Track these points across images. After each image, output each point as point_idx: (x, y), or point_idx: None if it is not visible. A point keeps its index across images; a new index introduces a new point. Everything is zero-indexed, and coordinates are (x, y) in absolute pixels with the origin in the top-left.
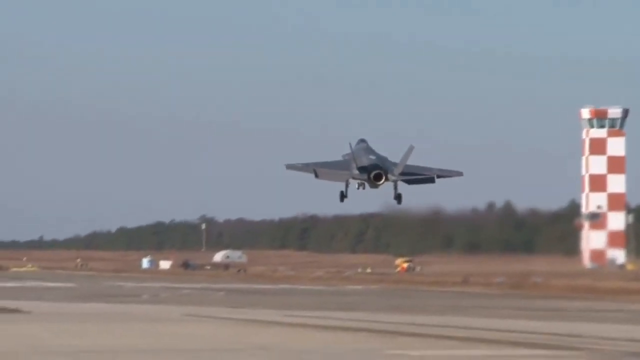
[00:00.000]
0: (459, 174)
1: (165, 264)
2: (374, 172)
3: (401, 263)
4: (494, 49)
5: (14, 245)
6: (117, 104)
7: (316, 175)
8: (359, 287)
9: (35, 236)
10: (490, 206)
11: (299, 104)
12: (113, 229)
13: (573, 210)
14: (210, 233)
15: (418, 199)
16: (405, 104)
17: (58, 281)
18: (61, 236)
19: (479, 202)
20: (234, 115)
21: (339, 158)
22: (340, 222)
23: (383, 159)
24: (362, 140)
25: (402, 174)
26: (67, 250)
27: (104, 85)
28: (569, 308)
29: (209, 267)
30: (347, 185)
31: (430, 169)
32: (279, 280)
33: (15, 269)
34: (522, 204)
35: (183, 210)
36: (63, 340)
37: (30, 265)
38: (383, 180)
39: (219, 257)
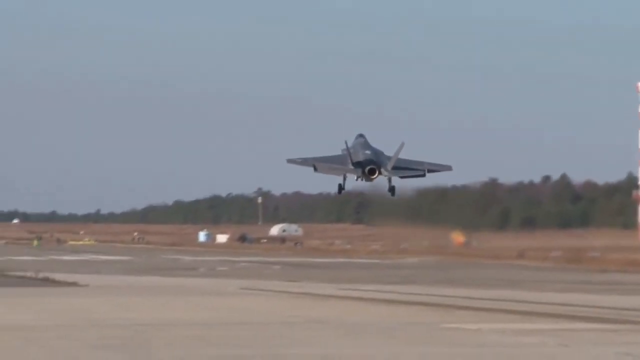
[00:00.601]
0: (449, 168)
1: (221, 238)
2: (368, 167)
3: (457, 237)
4: (549, 21)
5: (71, 218)
6: (176, 79)
7: (315, 169)
8: (415, 260)
9: (92, 210)
10: (546, 179)
11: (353, 80)
12: (170, 202)
13: (631, 182)
14: (266, 207)
15: (475, 173)
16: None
17: (115, 254)
18: (118, 209)
19: (535, 176)
20: (293, 90)
21: (339, 152)
22: (396, 195)
23: (378, 154)
24: (361, 136)
25: (395, 168)
26: (124, 223)
27: (163, 60)
28: (626, 282)
29: (265, 241)
30: (344, 179)
31: (421, 163)
32: (335, 253)
33: (72, 243)
34: (579, 177)
35: (240, 183)
36: (120, 314)
37: (87, 239)
38: (377, 174)
39: (275, 230)
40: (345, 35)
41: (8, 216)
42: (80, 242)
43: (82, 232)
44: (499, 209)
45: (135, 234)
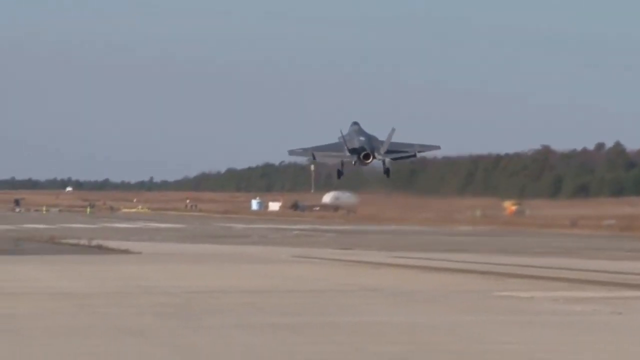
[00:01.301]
0: (437, 147)
1: (274, 206)
2: (363, 152)
3: (510, 205)
4: None
5: (124, 186)
6: (228, 49)
7: (314, 158)
8: (468, 228)
9: (145, 177)
10: (600, 147)
11: (415, 50)
12: (222, 170)
13: None
14: (319, 174)
15: (527, 140)
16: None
17: (168, 222)
18: (171, 177)
19: (589, 143)
20: (344, 58)
21: (336, 140)
22: (449, 164)
23: (372, 139)
24: (355, 123)
25: (387, 152)
26: (177, 191)
27: (220, 31)
28: None
29: (317, 209)
30: (342, 164)
31: (411, 146)
32: (388, 221)
33: (125, 210)
34: (633, 144)
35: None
36: (172, 281)
37: (140, 207)
38: (371, 159)
39: (328, 198)
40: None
41: (61, 184)
42: (133, 210)
43: (135, 200)
44: (552, 176)
45: (188, 201)
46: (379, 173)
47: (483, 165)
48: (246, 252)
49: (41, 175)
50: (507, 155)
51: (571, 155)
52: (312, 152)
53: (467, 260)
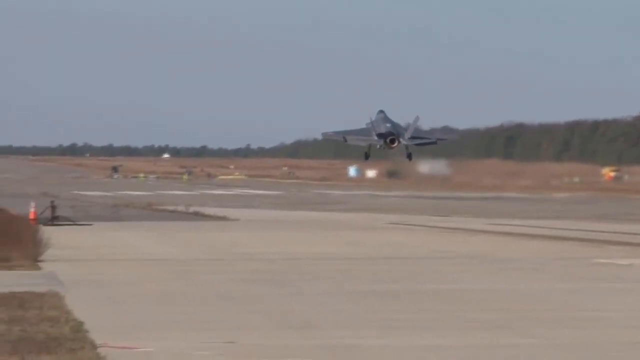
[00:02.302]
0: (456, 137)
1: (371, 173)
2: (389, 137)
3: (608, 172)
4: None
5: (221, 153)
6: (326, 18)
7: (345, 140)
8: (566, 195)
9: (242, 144)
10: None
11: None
12: (319, 137)
13: None
14: None
15: (626, 106)
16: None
17: (265, 189)
18: (267, 144)
19: None
20: (442, 26)
21: (363, 126)
22: (546, 130)
23: (397, 126)
24: (381, 111)
25: (411, 138)
26: (273, 158)
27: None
28: None
29: (413, 176)
30: (369, 147)
31: (432, 133)
32: (484, 189)
33: (222, 177)
34: None
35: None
36: (269, 248)
37: (237, 173)
38: (396, 143)
39: (423, 165)
40: None
41: (159, 151)
42: (230, 177)
43: (232, 167)
44: None
45: (285, 168)
46: (477, 138)
47: (579, 131)
48: (343, 219)
49: (139, 142)
50: (605, 121)
51: None
52: (343, 136)
53: (565, 227)
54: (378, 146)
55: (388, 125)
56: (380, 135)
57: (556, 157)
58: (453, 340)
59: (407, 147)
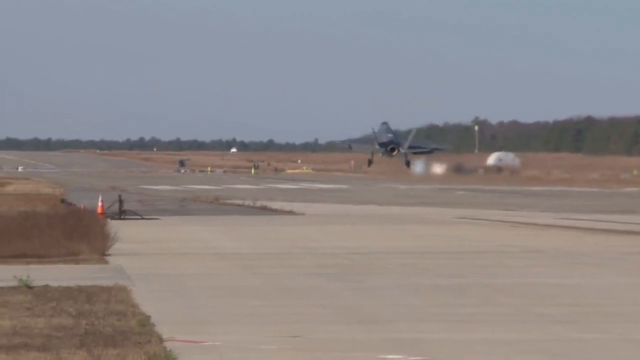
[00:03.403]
0: (449, 148)
1: (438, 167)
2: (390, 146)
3: None
4: None
5: (288, 147)
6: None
7: (350, 148)
8: (636, 189)
9: (310, 138)
10: None
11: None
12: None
13: None
14: (483, 135)
15: None
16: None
17: (332, 183)
18: (336, 138)
19: None
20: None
21: (369, 133)
22: (616, 123)
23: (398, 136)
24: (384, 123)
25: (409, 147)
26: (341, 152)
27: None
28: None
29: (481, 170)
30: (372, 154)
31: (427, 143)
32: (553, 182)
33: (290, 171)
34: None
35: (456, 112)
36: (335, 242)
37: (304, 167)
38: (396, 152)
39: (491, 159)
40: None
41: (226, 145)
42: (298, 171)
43: (299, 161)
44: None
45: (352, 162)
46: (546, 132)
47: None
48: (410, 213)
49: (206, 137)
50: None
51: None
52: (349, 144)
53: (634, 221)
54: (381, 154)
55: (390, 135)
56: (381, 144)
57: (626, 150)
58: (523, 334)
59: (406, 155)
